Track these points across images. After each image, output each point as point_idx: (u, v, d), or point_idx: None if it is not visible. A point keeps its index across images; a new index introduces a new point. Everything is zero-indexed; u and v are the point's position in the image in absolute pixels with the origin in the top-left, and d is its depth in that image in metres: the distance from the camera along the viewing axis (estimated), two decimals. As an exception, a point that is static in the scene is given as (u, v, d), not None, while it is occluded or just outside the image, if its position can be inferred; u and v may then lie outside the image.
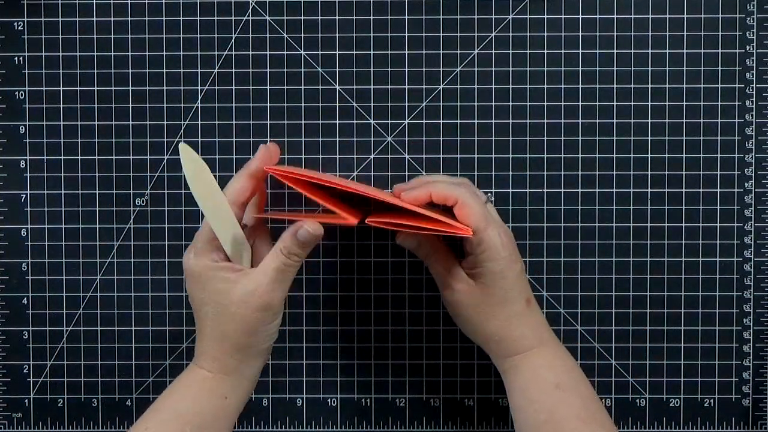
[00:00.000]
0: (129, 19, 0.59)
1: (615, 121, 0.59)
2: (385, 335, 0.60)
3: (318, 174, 0.53)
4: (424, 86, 0.59)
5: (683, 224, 0.59)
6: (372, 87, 0.59)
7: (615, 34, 0.58)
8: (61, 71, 0.59)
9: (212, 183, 0.50)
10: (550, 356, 0.52)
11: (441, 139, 0.59)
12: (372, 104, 0.59)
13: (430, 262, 0.53)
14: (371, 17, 0.59)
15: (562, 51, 0.58)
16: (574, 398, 0.50)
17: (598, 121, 0.59)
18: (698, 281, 0.59)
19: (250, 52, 0.59)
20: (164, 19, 0.59)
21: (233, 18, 0.59)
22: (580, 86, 0.58)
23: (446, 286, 0.52)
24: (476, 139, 0.59)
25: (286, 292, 0.51)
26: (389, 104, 0.59)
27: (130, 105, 0.59)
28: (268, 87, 0.59)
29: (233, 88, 0.59)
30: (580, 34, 0.58)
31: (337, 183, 0.51)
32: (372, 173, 0.59)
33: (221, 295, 0.50)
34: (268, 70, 0.59)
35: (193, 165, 0.49)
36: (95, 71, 0.59)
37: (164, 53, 0.59)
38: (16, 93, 0.59)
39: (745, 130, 0.58)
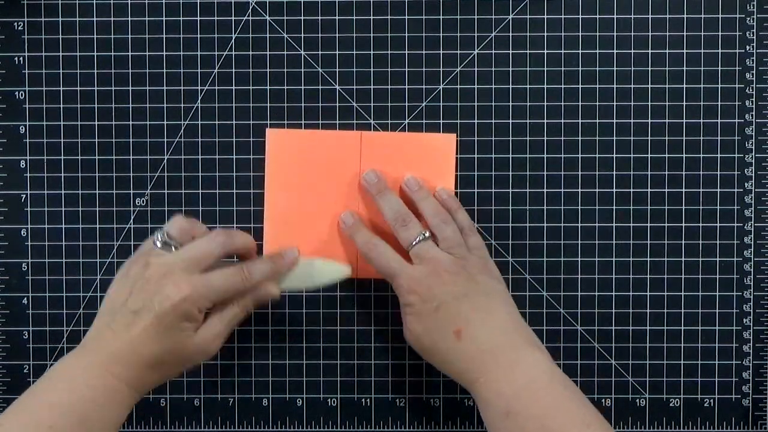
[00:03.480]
0: (129, 19, 0.59)
1: (615, 121, 0.59)
2: (385, 335, 0.60)
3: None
4: (424, 86, 0.59)
5: (683, 224, 0.59)
6: (372, 87, 0.59)
7: (615, 34, 0.58)
8: (61, 71, 0.59)
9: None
10: (497, 383, 0.49)
11: (441, 139, 0.59)
12: (372, 104, 0.59)
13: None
14: (371, 17, 0.59)
15: (562, 51, 0.58)
16: (525, 422, 0.47)
17: (598, 121, 0.59)
18: (698, 281, 0.59)
19: (250, 52, 0.59)
20: (164, 19, 0.59)
21: (233, 18, 0.59)
22: (580, 86, 0.58)
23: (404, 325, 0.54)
24: (476, 139, 0.59)
25: None
26: (389, 104, 0.59)
27: (130, 105, 0.59)
28: (268, 87, 0.59)
29: (233, 88, 0.59)
30: (580, 34, 0.58)
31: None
32: (372, 173, 0.59)
33: (179, 341, 0.49)
34: (268, 70, 0.59)
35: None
36: (95, 71, 0.59)
37: (164, 53, 0.59)
38: (16, 93, 0.59)
39: (745, 130, 0.58)
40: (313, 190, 0.58)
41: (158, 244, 0.51)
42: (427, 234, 0.53)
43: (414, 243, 0.53)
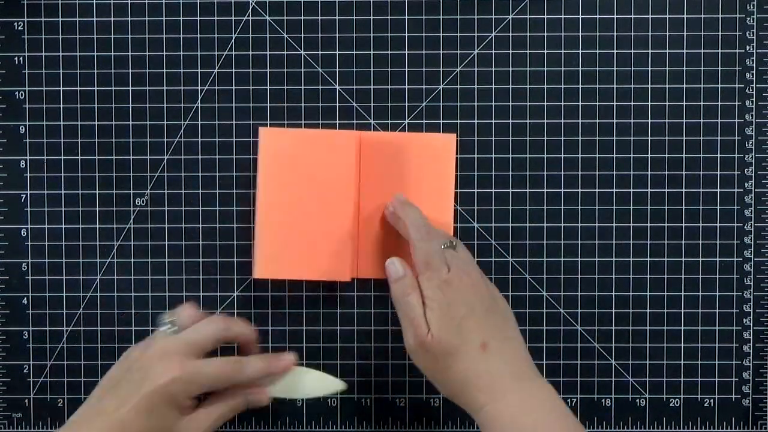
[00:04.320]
0: (129, 19, 0.59)
1: (615, 121, 0.59)
2: (385, 335, 0.60)
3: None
4: (424, 86, 0.59)
5: (683, 224, 0.59)
6: (372, 87, 0.59)
7: (615, 34, 0.58)
8: (61, 71, 0.59)
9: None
10: (514, 409, 0.48)
11: (441, 139, 0.59)
12: (372, 104, 0.59)
13: (405, 297, 0.51)
14: (371, 17, 0.59)
15: (562, 51, 0.58)
16: None
17: (598, 121, 0.59)
18: (698, 281, 0.59)
19: (250, 52, 0.59)
20: (164, 19, 0.59)
21: (233, 18, 0.59)
22: (580, 86, 0.58)
23: (412, 327, 0.50)
24: (476, 139, 0.59)
25: None
26: (389, 104, 0.59)
27: (130, 105, 0.59)
28: (268, 87, 0.59)
29: (233, 88, 0.59)
30: (580, 34, 0.58)
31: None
32: (372, 173, 0.59)
33: (164, 426, 0.50)
34: (268, 70, 0.59)
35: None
36: (95, 71, 0.59)
37: (164, 53, 0.59)
38: (16, 93, 0.59)
39: (745, 130, 0.58)
40: (307, 190, 0.57)
41: (163, 328, 0.52)
42: (453, 242, 0.52)
43: (444, 247, 0.52)
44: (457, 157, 0.59)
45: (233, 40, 0.59)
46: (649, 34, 0.58)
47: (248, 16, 0.59)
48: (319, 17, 0.59)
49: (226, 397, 0.53)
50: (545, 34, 0.58)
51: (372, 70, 0.59)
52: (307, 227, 0.57)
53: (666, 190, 0.59)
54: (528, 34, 0.59)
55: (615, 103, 0.59)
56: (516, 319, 0.52)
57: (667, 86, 0.58)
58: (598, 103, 0.59)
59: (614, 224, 0.59)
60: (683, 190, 0.59)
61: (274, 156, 0.57)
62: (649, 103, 0.58)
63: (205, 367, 0.51)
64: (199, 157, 0.59)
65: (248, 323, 0.56)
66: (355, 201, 0.58)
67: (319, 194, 0.57)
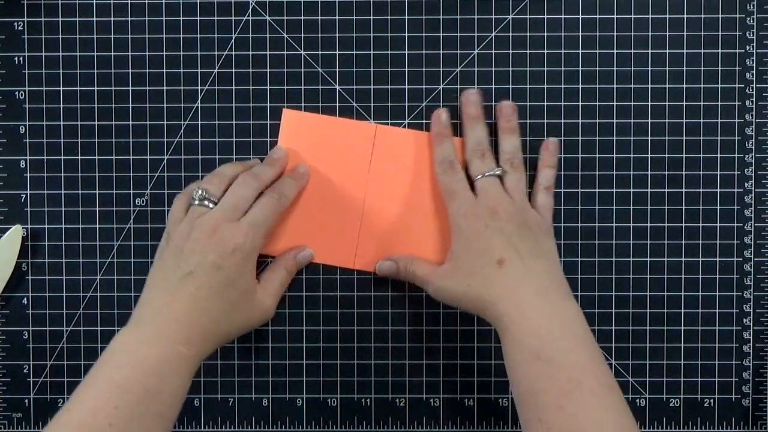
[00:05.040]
0: (129, 19, 0.59)
1: (615, 121, 0.59)
2: (385, 335, 0.60)
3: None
4: (424, 86, 0.59)
5: (683, 224, 0.59)
6: (372, 87, 0.59)
7: (615, 34, 0.58)
8: (61, 71, 0.59)
9: None
10: (533, 323, 0.48)
11: (441, 139, 0.59)
12: (372, 104, 0.59)
13: (410, 274, 0.56)
14: (371, 17, 0.59)
15: (562, 51, 0.58)
16: (555, 370, 0.46)
17: (598, 121, 0.59)
18: (698, 281, 0.59)
19: (250, 52, 0.59)
20: (164, 19, 0.59)
21: (233, 18, 0.59)
22: (580, 86, 0.58)
23: (427, 283, 0.55)
24: (476, 139, 0.59)
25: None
26: (389, 104, 0.59)
27: (130, 105, 0.59)
28: (268, 87, 0.59)
29: (233, 88, 0.59)
30: (580, 34, 0.58)
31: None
32: (372, 173, 0.59)
33: (242, 292, 0.51)
34: (268, 70, 0.59)
35: None
36: (95, 71, 0.59)
37: (164, 53, 0.59)
38: (16, 93, 0.59)
39: (745, 130, 0.58)
40: (321, 174, 0.58)
41: (196, 202, 0.53)
42: (498, 172, 0.54)
43: (484, 174, 0.54)
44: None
45: (233, 40, 0.59)
46: (649, 34, 0.58)
47: (248, 16, 0.59)
48: (319, 17, 0.59)
49: (280, 262, 0.57)
50: (545, 34, 0.58)
51: (372, 70, 0.59)
52: (318, 211, 0.58)
53: (666, 190, 0.59)
54: (528, 34, 0.59)
55: (615, 103, 0.59)
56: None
57: (667, 86, 0.58)
58: (598, 103, 0.59)
59: (614, 224, 0.59)
60: (683, 190, 0.59)
61: (293, 138, 0.58)
62: (649, 103, 0.58)
63: (256, 217, 0.52)
64: (199, 157, 0.59)
65: (271, 165, 0.56)
66: (365, 190, 0.58)
67: (333, 180, 0.58)
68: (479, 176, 0.54)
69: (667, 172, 0.59)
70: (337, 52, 0.59)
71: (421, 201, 0.58)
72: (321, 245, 0.58)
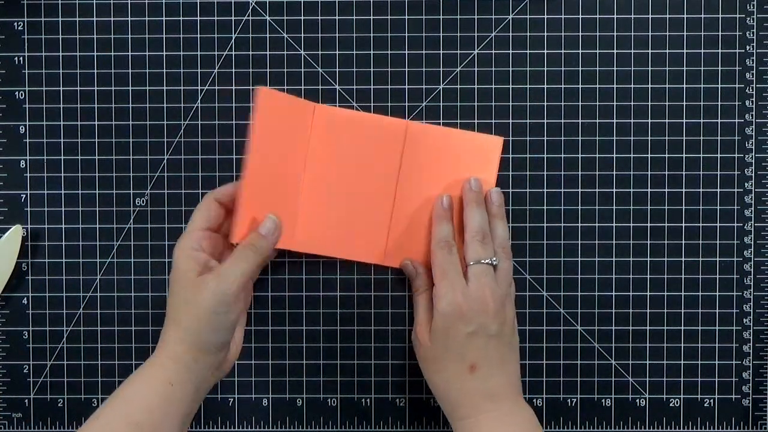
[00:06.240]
0: (129, 19, 0.59)
1: (615, 121, 0.59)
2: (385, 335, 0.60)
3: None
4: (424, 86, 0.59)
5: (683, 224, 0.59)
6: (372, 87, 0.59)
7: (615, 34, 0.58)
8: (61, 71, 0.59)
9: None
10: (490, 426, 0.51)
11: (441, 139, 0.59)
12: (372, 104, 0.59)
13: (417, 295, 0.57)
14: (371, 17, 0.59)
15: (562, 51, 0.58)
16: None
17: (598, 121, 0.59)
18: (698, 281, 0.59)
19: (250, 52, 0.59)
20: (164, 19, 0.59)
21: (233, 18, 0.59)
22: (580, 86, 0.58)
23: (416, 323, 0.56)
24: (476, 139, 0.59)
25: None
26: (389, 104, 0.59)
27: (130, 105, 0.59)
28: (268, 87, 0.59)
29: (233, 88, 0.59)
30: (580, 34, 0.58)
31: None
32: (372, 173, 0.59)
33: (191, 291, 0.50)
34: (268, 70, 0.59)
35: None
36: (95, 71, 0.59)
37: (164, 53, 0.59)
38: (16, 93, 0.59)
39: (745, 130, 0.58)
40: (351, 171, 0.58)
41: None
42: (495, 261, 0.54)
43: (481, 262, 0.53)
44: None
45: (233, 40, 0.59)
46: (649, 34, 0.58)
47: (248, 16, 0.59)
48: (319, 17, 0.59)
49: (237, 250, 0.52)
50: (545, 34, 0.58)
51: (372, 70, 0.59)
52: (347, 206, 0.58)
53: (666, 190, 0.59)
54: (528, 34, 0.59)
55: (615, 103, 0.59)
56: (519, 337, 0.55)
57: (667, 86, 0.58)
58: (598, 103, 0.59)
59: (614, 224, 0.59)
60: (683, 190, 0.59)
61: (323, 134, 0.57)
62: (649, 103, 0.58)
63: (194, 216, 0.53)
64: (199, 157, 0.59)
65: (226, 186, 0.55)
66: (393, 187, 0.58)
67: (361, 176, 0.58)
68: (476, 262, 0.54)
69: (667, 172, 0.59)
70: (337, 52, 0.59)
71: (455, 200, 0.57)
72: (352, 242, 0.58)
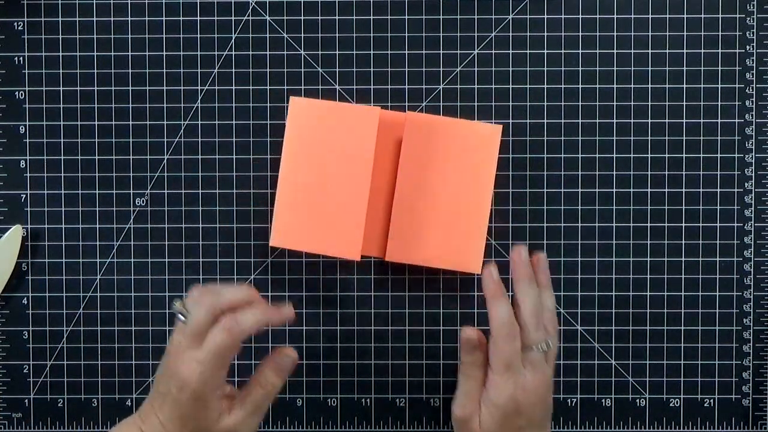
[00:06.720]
0: (129, 19, 0.59)
1: (615, 121, 0.59)
2: (385, 335, 0.60)
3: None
4: (424, 86, 0.59)
5: (683, 224, 0.59)
6: (372, 87, 0.59)
7: (615, 34, 0.58)
8: (61, 71, 0.59)
9: None
10: None
11: (441, 139, 0.59)
12: (372, 104, 0.59)
13: (470, 369, 0.51)
14: (371, 17, 0.59)
15: (562, 51, 0.58)
16: None
17: (598, 121, 0.59)
18: (698, 281, 0.59)
19: (250, 52, 0.59)
20: (164, 19, 0.59)
21: (233, 18, 0.59)
22: (580, 86, 0.58)
23: (463, 401, 0.51)
24: (476, 139, 0.59)
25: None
26: (389, 104, 0.59)
27: (130, 105, 0.59)
28: (268, 87, 0.59)
29: (233, 88, 0.59)
30: (580, 34, 0.58)
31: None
32: (372, 173, 0.59)
33: (204, 426, 0.49)
34: (268, 70, 0.59)
35: None
36: (95, 71, 0.59)
37: (164, 53, 0.59)
38: (16, 93, 0.59)
39: (745, 130, 0.58)
40: (327, 163, 0.56)
41: (180, 316, 0.49)
42: (550, 346, 0.51)
43: (538, 347, 0.50)
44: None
45: (233, 40, 0.59)
46: (649, 34, 0.58)
47: (248, 16, 0.59)
48: (319, 17, 0.59)
49: (256, 380, 0.51)
50: (545, 34, 0.59)
51: (372, 70, 0.59)
52: (324, 201, 0.56)
53: (666, 190, 0.59)
54: (528, 34, 0.59)
55: (615, 103, 0.59)
56: None
57: (667, 86, 0.58)
58: (598, 103, 0.59)
59: (614, 224, 0.59)
60: (683, 190, 0.59)
61: (300, 126, 0.56)
62: (649, 103, 0.58)
63: (207, 344, 0.48)
64: (199, 157, 0.59)
65: (238, 286, 0.51)
66: (372, 179, 0.56)
67: (337, 169, 0.56)
68: (531, 347, 0.50)
69: (667, 172, 0.59)
70: (337, 52, 0.59)
71: (455, 189, 0.57)
72: (330, 238, 0.56)
